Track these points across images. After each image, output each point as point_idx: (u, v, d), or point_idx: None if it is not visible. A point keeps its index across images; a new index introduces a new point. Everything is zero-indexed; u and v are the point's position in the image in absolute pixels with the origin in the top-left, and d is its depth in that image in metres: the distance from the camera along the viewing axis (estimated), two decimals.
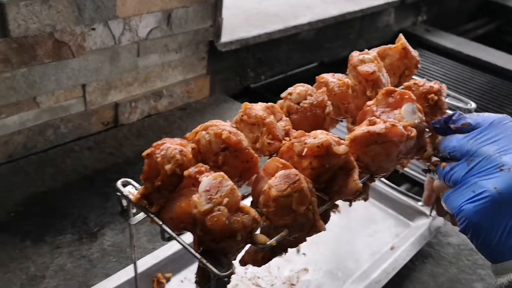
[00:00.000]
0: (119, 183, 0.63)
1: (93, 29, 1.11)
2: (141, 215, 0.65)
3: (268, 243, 0.57)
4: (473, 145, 0.65)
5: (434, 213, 1.05)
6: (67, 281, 0.84)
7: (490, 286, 0.95)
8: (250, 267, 0.90)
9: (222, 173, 0.55)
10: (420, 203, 1.08)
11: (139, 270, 0.82)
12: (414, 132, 0.70)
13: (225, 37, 1.46)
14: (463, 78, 2.07)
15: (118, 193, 0.63)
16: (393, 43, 0.92)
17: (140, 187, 0.63)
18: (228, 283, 0.55)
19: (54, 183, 1.07)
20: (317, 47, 1.93)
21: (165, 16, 1.24)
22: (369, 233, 1.04)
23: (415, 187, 1.31)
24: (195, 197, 0.54)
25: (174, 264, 0.88)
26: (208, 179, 0.54)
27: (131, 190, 0.63)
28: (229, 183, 0.55)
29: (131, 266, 0.84)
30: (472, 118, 0.69)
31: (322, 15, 1.79)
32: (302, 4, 1.87)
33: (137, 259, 0.87)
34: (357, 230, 1.05)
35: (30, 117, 1.11)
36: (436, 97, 0.78)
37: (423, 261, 1.00)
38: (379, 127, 0.68)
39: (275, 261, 0.92)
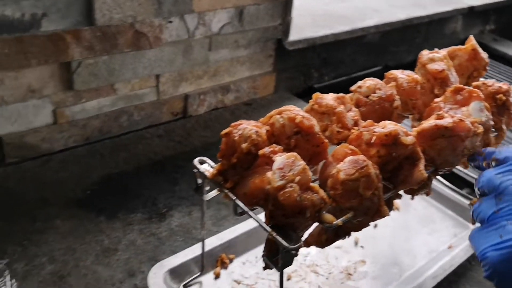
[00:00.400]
0: (196, 161, 0.67)
1: (170, 21, 1.17)
2: (214, 192, 0.70)
3: (334, 222, 0.59)
4: (501, 180, 0.59)
5: None
6: (138, 255, 0.89)
7: None
8: (309, 255, 0.93)
9: (295, 153, 0.59)
10: None
11: (205, 249, 0.86)
12: (480, 129, 0.71)
13: (293, 36, 1.49)
14: None
15: (195, 170, 0.66)
16: None
17: (214, 164, 0.67)
18: (296, 256, 0.58)
19: (127, 166, 1.13)
20: (382, 50, 1.93)
21: (238, 12, 1.29)
22: (427, 231, 1.05)
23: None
24: (269, 173, 0.57)
25: (237, 247, 0.92)
26: (282, 158, 0.58)
27: (207, 167, 0.67)
28: (301, 162, 0.58)
29: (197, 245, 0.88)
30: (501, 152, 0.65)
31: (389, 19, 1.80)
32: (370, 7, 1.88)
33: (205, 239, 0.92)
34: (415, 228, 1.06)
35: (107, 103, 1.17)
36: (504, 98, 0.79)
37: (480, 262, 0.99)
38: (447, 121, 0.69)
39: (333, 251, 0.95)
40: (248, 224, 0.95)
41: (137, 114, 1.24)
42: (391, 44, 1.96)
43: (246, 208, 0.60)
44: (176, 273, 0.84)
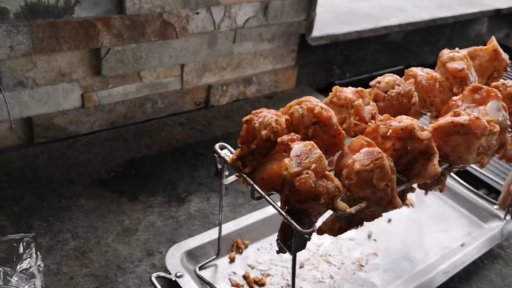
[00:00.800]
0: (216, 146, 0.70)
1: (197, 13, 1.20)
2: (233, 177, 0.72)
3: (347, 210, 0.61)
4: None
5: (508, 217, 1.06)
6: (156, 236, 0.93)
7: None
8: (322, 246, 0.96)
9: (312, 142, 0.61)
10: (495, 206, 1.09)
11: (222, 233, 0.89)
12: (497, 128, 0.73)
13: (316, 32, 1.51)
14: None
15: (216, 155, 0.69)
16: None
17: (233, 150, 0.70)
18: (309, 240, 0.60)
19: (149, 151, 1.16)
20: (404, 50, 1.93)
21: (263, 6, 1.32)
22: (441, 229, 1.06)
23: (492, 193, 1.30)
24: (286, 160, 0.60)
25: (252, 233, 0.94)
26: (299, 146, 0.60)
27: (227, 153, 0.69)
28: (318, 151, 0.60)
29: (214, 229, 0.91)
30: None
31: (413, 19, 1.80)
32: (394, 6, 1.89)
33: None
34: (428, 225, 1.07)
35: (133, 90, 1.21)
36: None
37: (493, 261, 1.01)
38: (463, 118, 0.71)
39: (347, 243, 0.97)
40: (263, 212, 0.97)
41: (161, 102, 1.27)
42: (414, 44, 1.96)
43: (263, 193, 0.63)
44: (193, 255, 0.86)
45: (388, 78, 0.81)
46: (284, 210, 0.61)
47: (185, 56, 1.24)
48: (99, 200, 0.99)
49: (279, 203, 0.63)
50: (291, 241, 0.63)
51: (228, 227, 0.93)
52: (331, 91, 0.77)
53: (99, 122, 1.19)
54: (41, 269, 0.78)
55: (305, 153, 0.60)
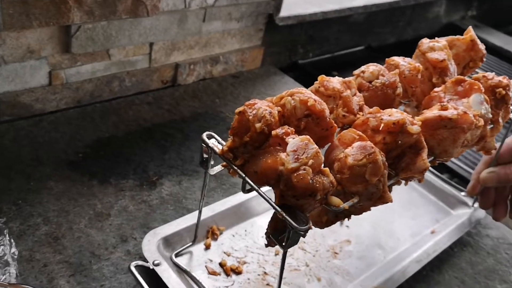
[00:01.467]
0: (204, 136, 0.67)
1: None
2: (219, 167, 0.70)
3: (341, 206, 0.60)
4: None
5: (476, 204, 1.07)
6: (130, 221, 0.89)
7: None
8: None
9: (308, 136, 0.59)
10: (462, 193, 1.10)
11: (196, 220, 0.86)
12: (481, 122, 0.73)
13: (284, 12, 1.49)
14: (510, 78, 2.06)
15: (203, 145, 0.67)
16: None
17: (221, 140, 0.67)
18: (304, 237, 0.60)
19: (117, 131, 1.12)
20: (366, 31, 1.94)
21: None
22: (410, 215, 1.07)
23: (455, 178, 1.33)
24: (283, 155, 0.58)
25: (227, 219, 0.92)
26: (295, 141, 0.58)
27: (214, 143, 0.67)
28: (314, 146, 0.59)
29: (189, 215, 0.89)
30: None
31: (377, 0, 1.80)
32: None
33: (194, 211, 0.93)
34: (398, 211, 1.07)
35: (101, 68, 1.15)
36: (503, 92, 0.80)
37: (462, 248, 1.02)
38: (451, 112, 0.70)
39: (320, 230, 0.97)
40: (238, 198, 0.96)
41: (128, 80, 1.23)
42: (376, 25, 1.97)
43: (256, 187, 0.61)
44: (169, 242, 0.84)
45: (372, 67, 0.80)
46: (278, 205, 0.60)
47: (155, 35, 1.20)
48: (69, 182, 0.94)
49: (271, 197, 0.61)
50: (282, 236, 0.62)
51: (204, 213, 0.90)
52: (317, 79, 0.75)
53: (65, 100, 1.13)
54: (15, 257, 0.74)
55: (302, 148, 0.58)
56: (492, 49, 2.23)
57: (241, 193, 0.96)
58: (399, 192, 1.11)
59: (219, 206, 0.93)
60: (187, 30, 1.27)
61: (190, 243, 0.86)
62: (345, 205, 0.61)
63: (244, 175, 0.62)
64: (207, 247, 0.88)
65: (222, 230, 0.92)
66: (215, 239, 0.90)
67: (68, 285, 0.75)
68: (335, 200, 0.61)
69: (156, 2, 1.14)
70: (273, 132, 0.61)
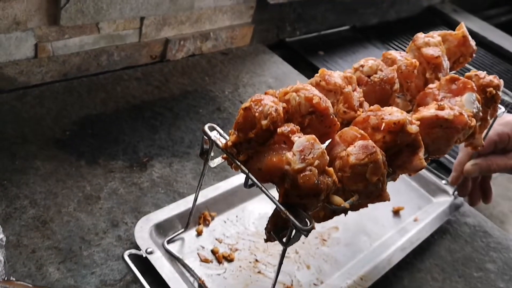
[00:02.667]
0: (206, 127, 0.65)
1: None
2: (219, 160, 0.68)
3: (342, 205, 0.60)
4: None
5: (456, 193, 1.09)
6: (120, 205, 0.87)
7: (500, 268, 1.00)
8: None
9: (314, 136, 0.58)
10: (443, 181, 1.12)
11: (188, 205, 0.86)
12: (474, 122, 0.73)
13: None
14: (484, 64, 2.07)
15: (205, 137, 0.65)
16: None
17: (223, 132, 0.65)
18: (306, 236, 0.58)
19: (105, 108, 1.08)
20: (351, 11, 1.91)
21: None
22: (394, 202, 1.07)
23: (433, 163, 1.34)
24: (289, 154, 0.57)
25: (219, 205, 0.91)
26: (302, 140, 0.57)
27: (216, 135, 0.65)
28: (320, 146, 0.58)
29: (182, 201, 0.88)
30: None
31: None
32: None
33: (186, 195, 0.91)
34: None
35: (90, 41, 1.11)
36: (494, 92, 0.81)
37: (442, 236, 1.04)
38: (448, 113, 0.71)
39: None
40: (229, 183, 0.94)
41: (116, 54, 1.18)
42: (361, 6, 1.94)
43: (259, 184, 0.60)
44: (161, 228, 0.83)
45: (370, 62, 0.79)
46: (281, 203, 0.58)
47: (147, 9, 1.15)
48: (56, 162, 0.91)
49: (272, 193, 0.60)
50: (283, 233, 0.61)
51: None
52: (318, 72, 0.73)
53: (51, 74, 1.08)
54: (2, 243, 0.70)
55: (308, 148, 0.57)
56: (470, 35, 2.21)
57: (232, 178, 0.96)
58: None
59: (211, 192, 0.92)
60: (179, 5, 1.22)
61: (182, 230, 0.84)
62: (346, 204, 0.61)
63: (247, 171, 0.60)
64: (199, 234, 0.87)
65: (213, 216, 0.91)
66: (207, 225, 0.89)
67: (58, 272, 0.73)
68: (337, 199, 0.61)
69: None
70: (279, 130, 0.59)
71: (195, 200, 0.78)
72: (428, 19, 2.27)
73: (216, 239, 0.86)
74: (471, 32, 2.20)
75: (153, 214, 0.83)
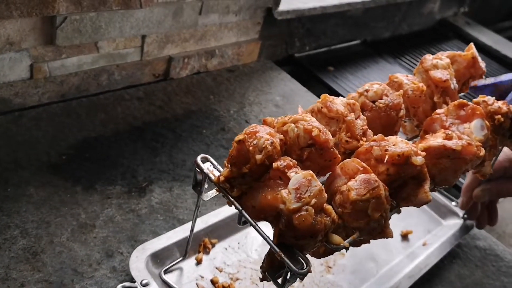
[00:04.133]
0: (198, 159, 0.62)
1: None
2: (213, 192, 0.65)
3: (341, 244, 0.57)
4: None
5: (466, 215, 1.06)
6: (116, 234, 0.84)
7: None
8: None
9: (311, 172, 0.55)
10: (453, 203, 1.10)
11: (187, 233, 0.81)
12: (482, 152, 0.70)
13: (283, 5, 1.42)
14: None
15: (198, 169, 0.62)
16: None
17: (217, 164, 0.62)
18: (302, 280, 0.54)
19: (105, 130, 1.06)
20: (362, 25, 1.89)
21: None
22: (404, 226, 1.04)
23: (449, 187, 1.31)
24: (284, 192, 0.53)
25: (220, 231, 0.88)
26: (298, 177, 0.54)
27: (209, 167, 0.62)
28: (318, 183, 0.54)
29: (180, 228, 0.84)
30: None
31: None
32: None
33: (186, 222, 0.88)
34: (392, 222, 1.02)
35: (88, 61, 1.09)
36: (502, 119, 0.77)
37: (452, 261, 1.01)
38: (456, 143, 0.68)
39: None
40: (231, 208, 0.89)
41: (117, 74, 1.16)
42: (372, 20, 1.92)
43: (253, 222, 0.56)
44: (158, 257, 0.80)
45: (376, 86, 0.75)
46: (276, 244, 0.55)
47: (148, 27, 1.13)
48: (50, 188, 0.88)
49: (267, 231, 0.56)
50: (279, 273, 0.57)
51: (196, 225, 0.84)
52: (320, 98, 0.69)
53: (49, 95, 1.06)
54: None
55: (304, 186, 0.53)
56: (482, 48, 2.20)
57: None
58: None
59: (212, 218, 0.89)
60: (182, 22, 1.20)
61: (181, 258, 0.81)
62: (346, 244, 0.57)
63: (240, 208, 0.57)
64: (199, 262, 0.84)
65: (214, 243, 0.87)
66: (207, 253, 0.86)
67: None
68: (336, 238, 0.57)
69: None
70: (274, 165, 0.56)
71: (192, 230, 0.75)
72: (440, 32, 2.23)
73: (216, 268, 0.83)
74: (484, 45, 2.19)
75: (150, 242, 0.80)
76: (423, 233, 1.04)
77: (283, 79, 1.45)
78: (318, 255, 0.67)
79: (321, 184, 0.54)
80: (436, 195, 1.11)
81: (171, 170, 1.01)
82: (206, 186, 0.65)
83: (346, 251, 0.66)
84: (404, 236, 1.01)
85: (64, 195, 0.88)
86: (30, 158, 0.93)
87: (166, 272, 0.79)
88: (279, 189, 0.54)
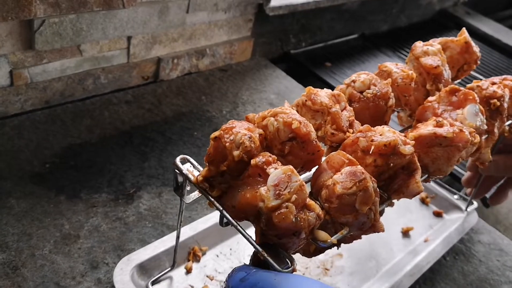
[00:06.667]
0: (177, 160, 0.60)
1: None
2: (196, 194, 0.63)
3: (329, 240, 0.54)
4: None
5: (469, 208, 1.04)
6: (101, 243, 0.82)
7: None
8: None
9: (291, 167, 0.52)
10: (455, 196, 1.07)
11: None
12: (477, 138, 0.68)
13: (274, 1, 1.40)
14: (499, 68, 1.99)
15: (177, 171, 0.60)
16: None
17: (197, 164, 0.60)
18: None
19: (91, 136, 1.04)
20: (359, 18, 1.87)
21: None
22: (404, 222, 1.02)
23: (447, 175, 1.29)
24: (262, 190, 0.51)
25: (210, 238, 0.86)
26: (277, 172, 0.51)
27: (189, 168, 0.60)
28: (298, 179, 0.52)
29: (168, 236, 0.82)
30: None
31: None
32: None
33: (175, 228, 0.86)
34: (392, 218, 1.02)
35: (72, 65, 1.07)
36: (498, 103, 0.76)
37: (454, 257, 0.98)
38: (447, 130, 0.66)
39: None
40: None
41: (104, 77, 1.14)
42: (369, 13, 1.90)
43: (234, 222, 0.54)
44: (145, 268, 0.78)
45: (363, 76, 0.73)
46: (259, 244, 0.53)
47: (133, 28, 1.11)
48: (32, 199, 0.87)
49: (250, 231, 0.54)
50: None
51: (185, 232, 0.84)
52: (305, 91, 0.67)
53: (32, 101, 1.05)
54: None
55: (284, 182, 0.51)
56: (483, 38, 2.18)
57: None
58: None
59: (201, 224, 0.87)
60: (169, 22, 1.18)
61: (169, 268, 0.79)
62: (334, 240, 0.55)
63: (221, 208, 0.55)
64: (188, 271, 0.82)
65: (204, 250, 0.85)
66: (197, 261, 0.84)
67: None
68: (323, 234, 0.54)
69: None
70: (252, 162, 0.54)
71: (178, 238, 0.72)
72: (440, 23, 2.20)
73: (207, 276, 0.81)
74: (485, 35, 2.16)
75: (136, 253, 0.78)
76: (424, 229, 1.02)
77: (278, 77, 1.43)
78: (309, 254, 0.64)
79: (302, 179, 0.52)
80: (437, 188, 1.09)
81: (160, 175, 0.98)
82: (188, 188, 0.63)
83: (338, 249, 0.64)
84: (405, 233, 1.00)
85: (47, 206, 0.86)
86: (12, 169, 0.91)
87: (154, 283, 0.77)
88: (258, 186, 0.52)
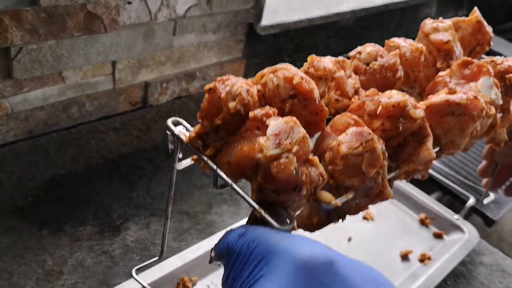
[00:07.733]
0: (169, 122, 0.55)
1: (129, 2, 1.06)
2: (188, 161, 0.58)
3: (333, 202, 0.50)
4: None
5: (485, 200, 0.99)
6: (86, 279, 0.78)
7: None
8: None
9: (294, 118, 0.49)
10: (455, 216, 1.04)
11: (165, 271, 0.77)
12: (492, 110, 0.65)
13: (266, 20, 1.40)
14: None
15: (168, 132, 0.55)
16: None
17: (190, 127, 0.56)
18: None
19: (76, 166, 1.00)
20: (356, 35, 1.87)
21: None
22: (403, 244, 0.99)
23: (447, 195, 1.30)
24: (261, 139, 0.48)
25: (201, 267, 0.81)
26: (278, 122, 0.48)
27: (182, 130, 0.55)
28: (301, 130, 0.48)
29: (156, 267, 0.77)
30: None
31: (365, 4, 1.73)
32: None
33: (163, 259, 0.78)
34: (390, 240, 1.00)
35: (54, 93, 1.05)
36: None
37: (455, 280, 0.94)
38: (460, 96, 0.62)
39: None
40: (213, 241, 0.81)
41: (89, 104, 1.12)
42: (365, 30, 1.91)
43: (229, 181, 0.50)
44: None
45: (369, 48, 0.71)
46: (256, 201, 0.48)
47: (117, 52, 1.09)
48: (14, 234, 0.82)
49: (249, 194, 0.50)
50: None
51: (173, 262, 0.79)
52: (307, 60, 0.64)
53: (13, 132, 1.02)
54: None
55: (285, 132, 0.47)
56: None
57: (217, 235, 0.87)
58: (390, 217, 1.05)
59: (191, 254, 0.82)
60: (155, 45, 1.16)
61: (157, 258, 0.72)
62: (338, 202, 0.51)
63: (215, 167, 0.51)
64: None
65: (194, 280, 0.80)
66: None
67: None
68: (326, 195, 0.50)
69: (115, 15, 1.04)
70: (251, 113, 0.50)
71: (166, 218, 0.64)
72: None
73: None
74: None
75: (121, 286, 0.73)
76: (424, 251, 0.98)
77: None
78: (312, 227, 0.59)
79: (305, 131, 0.48)
80: (437, 208, 1.06)
81: (149, 204, 0.95)
82: (180, 155, 0.58)
83: (343, 221, 0.59)
84: (404, 256, 0.96)
85: (29, 241, 0.82)
86: None
87: (138, 271, 0.70)
88: (257, 139, 0.48)
